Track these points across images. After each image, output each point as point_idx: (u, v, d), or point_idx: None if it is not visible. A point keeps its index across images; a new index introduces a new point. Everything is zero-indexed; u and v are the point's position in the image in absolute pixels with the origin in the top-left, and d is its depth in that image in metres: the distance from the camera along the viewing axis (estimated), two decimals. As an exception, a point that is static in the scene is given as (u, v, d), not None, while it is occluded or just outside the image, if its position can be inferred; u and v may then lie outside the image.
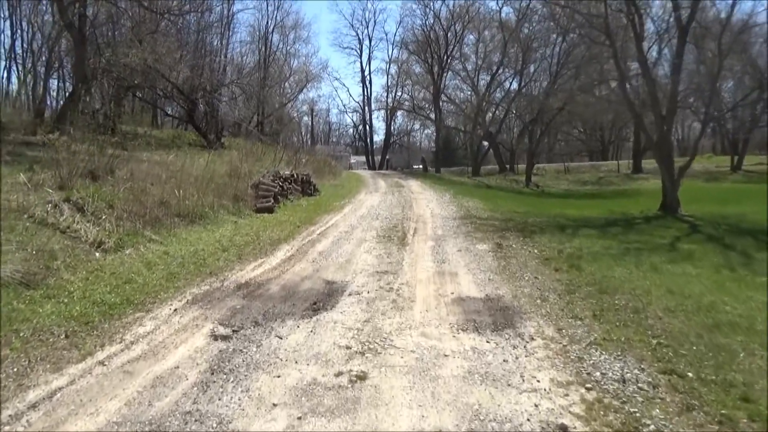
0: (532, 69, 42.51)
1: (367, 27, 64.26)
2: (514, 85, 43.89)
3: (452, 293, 6.36)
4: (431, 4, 43.43)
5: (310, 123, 69.63)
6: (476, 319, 5.28)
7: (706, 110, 15.03)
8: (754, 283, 6.92)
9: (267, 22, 44.30)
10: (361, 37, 60.35)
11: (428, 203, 16.91)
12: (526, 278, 7.09)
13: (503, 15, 41.55)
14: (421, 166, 49.33)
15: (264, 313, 5.51)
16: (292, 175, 17.33)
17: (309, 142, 72.37)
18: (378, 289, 6.53)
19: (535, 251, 8.95)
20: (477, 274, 7.40)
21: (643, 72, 16.08)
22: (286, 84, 53.30)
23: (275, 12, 45.65)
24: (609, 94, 33.64)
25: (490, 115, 46.80)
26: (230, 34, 37.33)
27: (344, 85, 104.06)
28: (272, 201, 13.62)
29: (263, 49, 45.20)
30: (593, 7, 17.05)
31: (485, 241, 9.92)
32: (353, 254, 8.75)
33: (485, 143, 47.05)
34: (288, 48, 51.88)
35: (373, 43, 64.99)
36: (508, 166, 46.12)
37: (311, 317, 5.38)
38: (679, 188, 15.84)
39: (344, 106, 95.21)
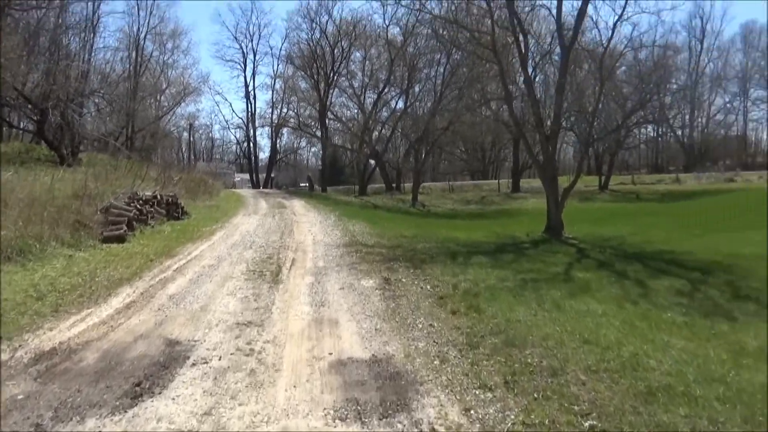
0: (417, 89, 42.85)
1: (252, 40, 61.57)
2: (400, 104, 44.01)
3: (331, 353, 5.03)
4: (317, 18, 42.47)
5: (189, 139, 65.41)
6: (360, 399, 3.99)
7: (589, 131, 15.20)
8: (661, 320, 6.30)
9: (138, 28, 40.70)
10: (245, 50, 58.08)
11: (311, 227, 15.52)
12: (420, 326, 5.94)
13: (390, 33, 41.50)
14: (307, 185, 47.81)
15: (57, 407, 3.83)
16: (155, 197, 15.16)
17: (190, 160, 68.26)
18: (234, 351, 5.04)
19: (428, 287, 7.89)
20: (362, 321, 6.15)
21: (528, 92, 15.99)
22: (163, 97, 49.74)
23: (147, 17, 42.12)
24: (493, 114, 34.53)
25: (377, 133, 46.53)
26: (93, 37, 33.64)
27: (227, 99, 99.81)
28: (125, 228, 11.53)
29: (134, 56, 41.47)
30: (480, 24, 16.81)
31: (372, 275, 8.73)
32: (213, 297, 7.15)
33: (372, 162, 46.62)
34: (165, 58, 48.39)
35: (257, 57, 62.66)
36: (394, 185, 45.99)
37: (126, 410, 3.79)
38: (563, 210, 15.81)
39: (227, 122, 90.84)
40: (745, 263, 10.36)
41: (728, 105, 69.59)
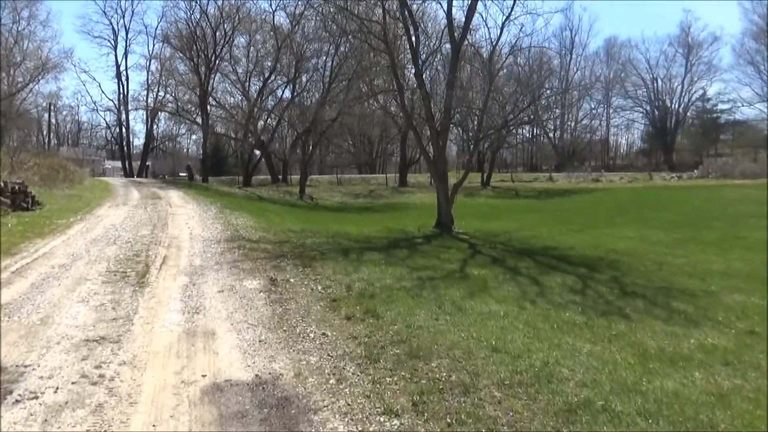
0: (305, 79, 41.69)
1: (123, 16, 56.63)
2: (287, 94, 42.58)
3: (204, 375, 4.15)
4: (197, -2, 39.63)
5: (51, 120, 58.92)
6: (239, 438, 3.20)
7: (478, 128, 15.24)
8: (562, 321, 6.08)
9: (-17, -9, 35.57)
10: (116, 27, 53.17)
11: (188, 220, 14.11)
12: (312, 335, 5.20)
13: (276, 20, 39.90)
14: (186, 175, 44.86)
15: None
16: (-3, 184, 12.99)
17: (54, 144, 61.47)
18: (78, 379, 3.99)
19: (319, 288, 7.16)
20: (244, 331, 5.29)
21: (419, 85, 15.71)
22: (17, 71, 44.14)
23: (-5, -20, 36.93)
24: (381, 107, 34.34)
25: (263, 123, 44.75)
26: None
27: (95, 79, 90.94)
28: (-49, 220, 9.59)
29: (-21, 23, 36.22)
30: (371, 13, 16.28)
31: (256, 275, 7.82)
32: (59, 306, 5.89)
33: (257, 152, 44.75)
34: (19, 27, 42.92)
35: (130, 36, 57.48)
36: (281, 176, 44.50)
37: None
38: (453, 205, 15.77)
39: (95, 103, 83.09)
40: (625, 259, 10.75)
41: (593, 111, 75.60)
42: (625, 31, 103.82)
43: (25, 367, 4.20)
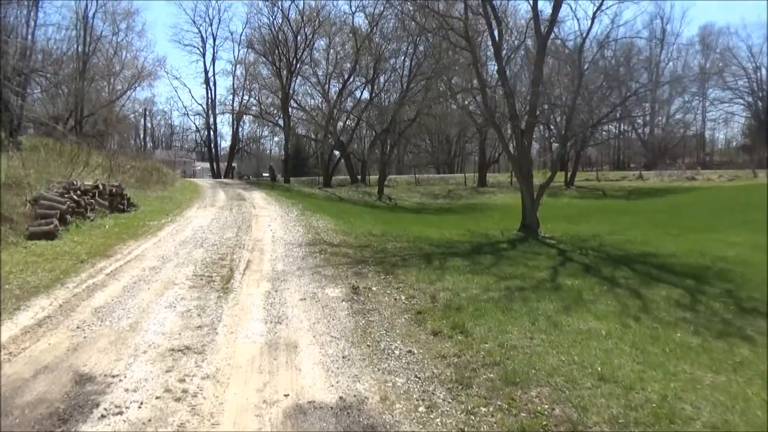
0: (383, 79, 41.78)
1: (211, 25, 59.27)
2: (366, 95, 42.85)
3: (287, 395, 3.96)
4: (279, 3, 40.66)
5: (146, 125, 62.77)
6: (324, 473, 2.95)
7: (567, 125, 14.44)
8: (673, 343, 5.44)
9: (86, 5, 38.22)
10: (204, 35, 55.69)
11: (271, 222, 14.31)
12: (397, 352, 4.92)
13: (355, 21, 40.26)
14: (269, 175, 46.20)
15: None
16: (97, 187, 13.69)
17: (149, 147, 65.45)
18: (162, 394, 3.91)
19: (402, 298, 6.88)
20: (327, 344, 5.09)
21: (502, 82, 15.09)
22: (116, 80, 47.15)
23: (96, -6, 39.55)
24: (460, 106, 33.74)
25: (342, 124, 45.28)
26: (36, 12, 31.16)
27: (185, 85, 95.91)
28: (55, 223, 10.11)
29: (82, 35, 38.92)
30: (452, 9, 15.83)
31: (338, 282, 7.66)
32: (147, 311, 5.96)
33: (336, 153, 45.36)
34: (118, 39, 45.79)
35: (217, 43, 60.22)
36: (359, 176, 44.87)
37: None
38: (539, 208, 15.04)
39: (186, 108, 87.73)
40: (739, 269, 9.70)
41: (687, 104, 70.74)
42: (722, 17, 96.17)
43: (113, 377, 4.19)
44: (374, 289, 7.32)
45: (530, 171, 15.12)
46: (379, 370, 4.49)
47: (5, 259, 7.94)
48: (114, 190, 14.53)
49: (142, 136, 65.07)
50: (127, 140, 54.96)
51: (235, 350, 4.87)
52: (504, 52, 15.13)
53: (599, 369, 4.43)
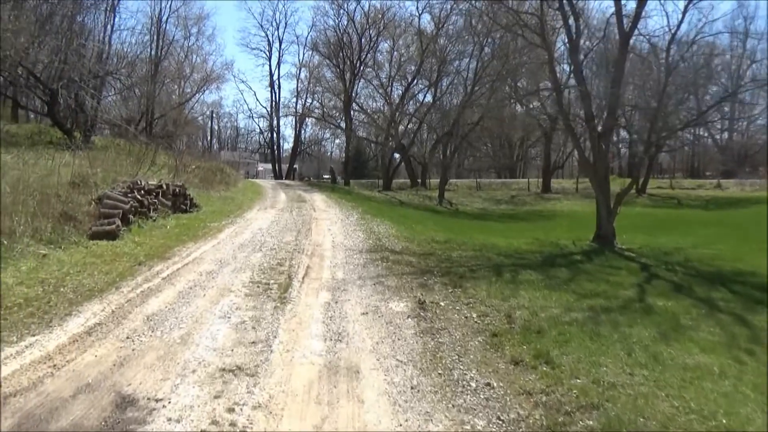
0: (446, 82, 41.06)
1: (278, 29, 60.57)
2: (428, 98, 42.23)
3: (348, 435, 3.41)
4: (345, 4, 40.68)
5: (213, 127, 64.49)
6: None
7: (651, 129, 13.30)
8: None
9: (160, 10, 39.50)
10: (270, 38, 56.76)
11: (331, 226, 13.92)
12: (473, 385, 4.27)
13: (421, 23, 39.72)
14: (329, 177, 46.32)
15: None
16: (161, 186, 13.71)
17: (215, 148, 67.33)
18: (207, 428, 3.43)
19: (474, 316, 6.21)
20: (392, 370, 4.50)
21: (578, 82, 14.10)
22: (186, 83, 48.56)
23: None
24: (526, 109, 32.62)
25: (403, 127, 44.79)
26: (113, 17, 32.35)
27: (251, 88, 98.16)
28: (117, 222, 10.04)
29: (155, 39, 40.26)
30: (525, 4, 15.00)
31: (402, 295, 7.07)
32: (200, 322, 5.57)
33: (397, 156, 44.94)
34: (189, 43, 47.20)
35: (283, 46, 61.16)
36: (419, 180, 44.27)
37: None
38: (615, 217, 13.95)
39: (251, 111, 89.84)
40: None
41: (769, 110, 65.82)
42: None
43: (157, 401, 3.76)
44: (442, 304, 6.68)
45: (607, 177, 14.03)
46: (454, 406, 3.87)
47: (65, 259, 7.83)
48: (177, 190, 14.55)
49: (208, 137, 66.88)
50: (195, 142, 56.62)
51: (291, 373, 4.37)
52: (582, 48, 14.11)
53: (724, 421, 3.64)
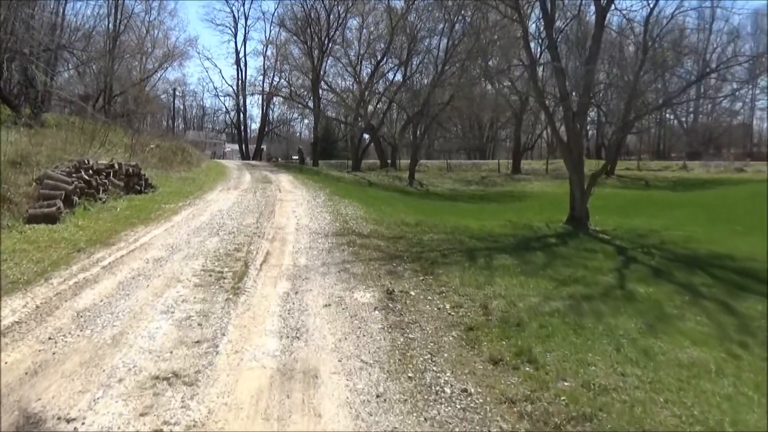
0: (416, 61, 40.30)
1: (243, 4, 58.70)
2: (398, 77, 41.41)
3: (299, 460, 2.82)
4: (312, -21, 39.29)
5: (177, 106, 62.40)
6: None
7: (626, 108, 12.90)
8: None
9: (117, -19, 37.49)
10: (236, 14, 54.95)
11: (296, 208, 13.23)
12: (448, 391, 3.72)
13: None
14: (297, 158, 45.27)
15: None
16: (112, 166, 12.78)
17: (180, 128, 65.29)
18: (127, 453, 2.82)
19: (447, 307, 5.66)
20: (356, 375, 3.92)
21: (552, 58, 13.60)
22: (148, 60, 46.56)
23: (128, -30, 38.80)
24: (500, 89, 32.11)
25: (372, 107, 43.92)
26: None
27: (216, 66, 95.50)
28: (58, 205, 9.16)
29: (113, 12, 38.29)
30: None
31: (368, 283, 6.49)
32: (139, 318, 4.89)
33: (366, 136, 44.11)
34: (149, 17, 45.17)
35: (249, 22, 59.23)
36: (389, 161, 43.61)
37: None
38: (589, 199, 13.59)
39: (216, 89, 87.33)
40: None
41: (736, 92, 66.92)
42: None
43: (68, 422, 3.10)
44: (412, 293, 6.12)
45: (581, 158, 13.64)
46: (426, 419, 3.31)
47: (-7, 245, 7.00)
48: (131, 170, 13.62)
49: (173, 116, 64.73)
50: (159, 121, 54.68)
51: (238, 379, 3.75)
52: (555, 25, 13.59)
53: (736, 433, 3.17)
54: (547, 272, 7.72)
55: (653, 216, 17.26)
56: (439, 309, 5.58)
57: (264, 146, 59.20)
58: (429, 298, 5.98)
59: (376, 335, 4.74)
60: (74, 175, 10.68)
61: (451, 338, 4.75)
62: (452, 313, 5.44)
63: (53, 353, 4.10)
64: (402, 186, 30.60)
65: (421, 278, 6.84)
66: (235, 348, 4.32)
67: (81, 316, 4.88)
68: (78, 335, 4.45)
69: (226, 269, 6.81)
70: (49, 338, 4.37)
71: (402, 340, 4.66)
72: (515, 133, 47.12)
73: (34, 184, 10.17)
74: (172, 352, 4.16)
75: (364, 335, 4.74)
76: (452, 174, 41.49)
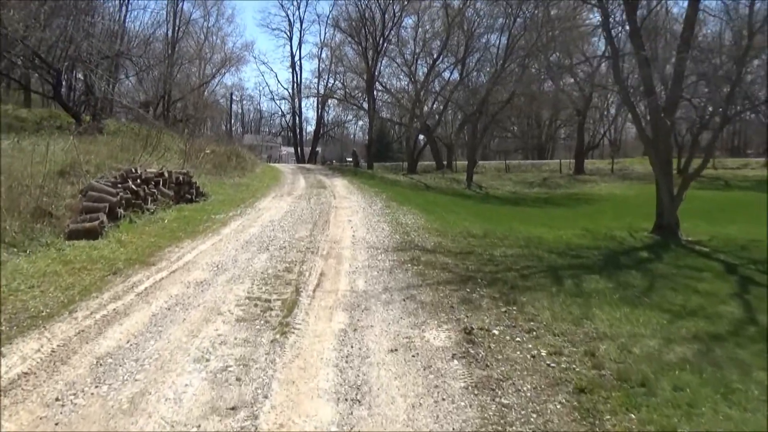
0: (473, 59, 38.84)
1: (299, 8, 58.31)
2: (455, 76, 40.07)
3: None
4: (367, -22, 38.56)
5: (237, 110, 63.31)
6: None
7: (727, 102, 11.27)
8: None
9: (176, -12, 37.99)
10: (291, 18, 55.01)
11: (352, 216, 12.31)
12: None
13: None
14: (351, 161, 44.65)
15: None
16: (161, 174, 12.24)
17: (239, 132, 66.20)
18: None
19: (543, 353, 4.53)
20: (438, 468, 2.88)
21: (636, 47, 12.10)
22: (208, 66, 47.15)
23: (185, -21, 39.28)
24: (566, 86, 30.42)
25: (428, 107, 42.75)
26: (127, -1, 30.95)
27: (272, 70, 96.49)
28: (101, 218, 8.56)
29: (172, 19, 38.81)
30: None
31: (440, 316, 5.42)
32: (167, 369, 4.02)
33: (422, 137, 42.97)
34: (208, 24, 45.76)
35: (304, 26, 59.41)
36: (445, 162, 42.33)
37: None
38: (680, 204, 12.02)
39: (272, 93, 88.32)
40: None
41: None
42: None
43: None
44: (495, 332, 5.01)
45: (669, 158, 12.13)
46: None
47: (23, 268, 6.36)
48: (182, 178, 13.07)
49: (231, 120, 65.61)
50: (219, 125, 55.46)
51: (281, 476, 2.78)
52: (640, 12, 12.11)
53: None
54: (652, 299, 6.43)
55: (747, 222, 15.38)
56: (533, 357, 4.46)
57: (319, 149, 59.09)
58: (517, 339, 4.85)
59: (458, 399, 3.68)
60: (120, 185, 10.12)
61: (558, 406, 3.62)
62: (551, 364, 4.30)
63: (56, 424, 3.25)
64: (460, 189, 29.34)
65: (502, 309, 5.71)
66: (280, 420, 3.35)
67: (100, 364, 4.06)
68: (91, 395, 3.61)
69: (274, 296, 5.90)
70: (57, 399, 3.54)
71: (494, 408, 3.58)
72: (578, 131, 44.83)
73: (80, 195, 9.66)
74: (199, 427, 3.23)
75: (443, 399, 3.68)
76: (511, 175, 39.76)
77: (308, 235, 9.76)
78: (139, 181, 10.95)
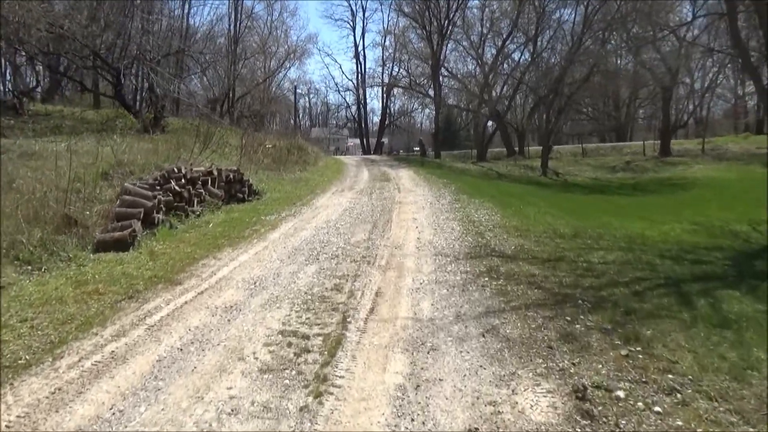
0: (545, 37, 36.24)
1: (361, -3, 57.46)
2: (525, 56, 37.62)
3: None
4: (431, -42, 36.74)
5: (302, 104, 63.21)
6: None
7: None
8: None
9: (239, -14, 37.71)
10: (354, 8, 54.10)
11: (417, 213, 10.90)
12: None
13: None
14: (418, 150, 43.10)
15: None
16: (210, 173, 11.30)
17: (307, 125, 66.33)
18: None
19: (705, 439, 2.98)
20: None
21: (758, 10, 9.92)
22: (273, 60, 46.96)
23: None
24: (647, 60, 27.50)
25: (497, 91, 40.49)
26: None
27: (336, 61, 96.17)
28: (134, 226, 7.59)
29: (234, 15, 38.59)
30: None
31: (536, 363, 3.94)
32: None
33: (491, 123, 40.80)
34: (272, 18, 45.52)
35: (367, 14, 58.33)
36: (516, 148, 40.00)
37: None
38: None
39: (337, 84, 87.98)
40: None
41: None
42: None
43: None
44: (620, 394, 3.48)
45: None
46: None
47: (28, 292, 5.41)
48: (232, 176, 12.11)
49: (299, 114, 65.64)
50: (287, 120, 55.48)
51: None
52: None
53: None
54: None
55: None
56: (689, 446, 2.91)
57: (385, 139, 57.99)
58: (656, 408, 3.29)
59: None
60: (160, 187, 9.19)
61: None
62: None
63: None
64: (535, 176, 27.24)
65: (621, 351, 4.13)
66: None
67: (88, 425, 2.89)
68: None
69: (315, 329, 4.61)
70: None
71: None
72: (663, 109, 41.13)
73: (117, 201, 8.79)
74: None
75: None
76: (589, 160, 36.90)
77: (366, 238, 8.45)
78: (183, 181, 10.02)
